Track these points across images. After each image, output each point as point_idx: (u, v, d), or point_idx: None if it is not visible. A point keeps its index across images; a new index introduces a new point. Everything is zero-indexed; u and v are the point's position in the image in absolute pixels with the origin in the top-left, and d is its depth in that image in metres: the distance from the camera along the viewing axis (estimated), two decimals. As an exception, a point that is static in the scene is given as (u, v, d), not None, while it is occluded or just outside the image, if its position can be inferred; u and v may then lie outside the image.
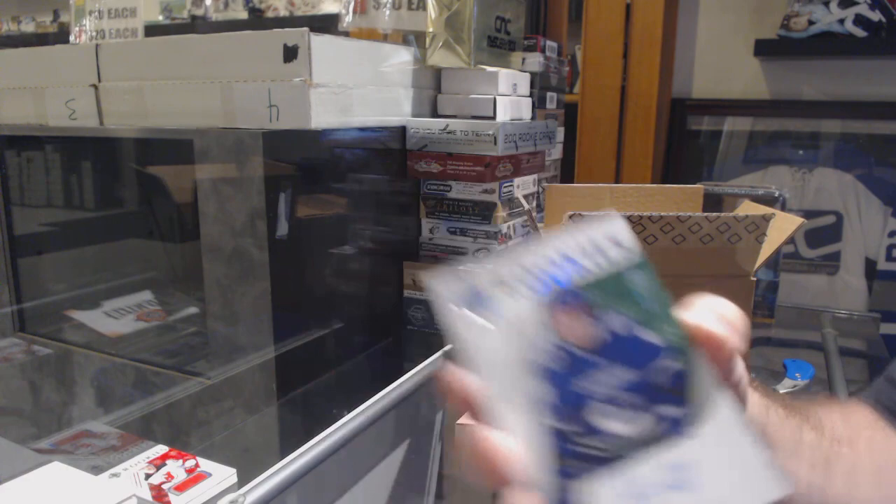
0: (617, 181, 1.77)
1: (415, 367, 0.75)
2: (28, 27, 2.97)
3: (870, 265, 1.67)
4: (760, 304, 1.00)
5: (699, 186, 0.96)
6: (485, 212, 0.86)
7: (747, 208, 0.89)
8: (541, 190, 1.04)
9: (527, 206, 0.91)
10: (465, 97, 0.90)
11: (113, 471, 0.51)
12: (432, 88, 0.92)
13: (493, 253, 0.87)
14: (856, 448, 0.50)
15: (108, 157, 1.02)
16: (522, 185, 0.94)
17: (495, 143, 0.83)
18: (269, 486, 0.50)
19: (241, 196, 0.68)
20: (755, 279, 0.69)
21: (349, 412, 0.62)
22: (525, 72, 0.99)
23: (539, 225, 0.88)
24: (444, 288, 0.27)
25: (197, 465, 0.51)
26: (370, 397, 0.65)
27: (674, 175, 1.83)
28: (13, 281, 0.94)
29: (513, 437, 0.26)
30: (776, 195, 0.97)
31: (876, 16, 1.52)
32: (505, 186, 0.87)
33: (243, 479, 0.51)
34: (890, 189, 1.65)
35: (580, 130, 1.77)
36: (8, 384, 0.93)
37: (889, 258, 1.64)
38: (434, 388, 0.74)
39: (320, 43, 0.69)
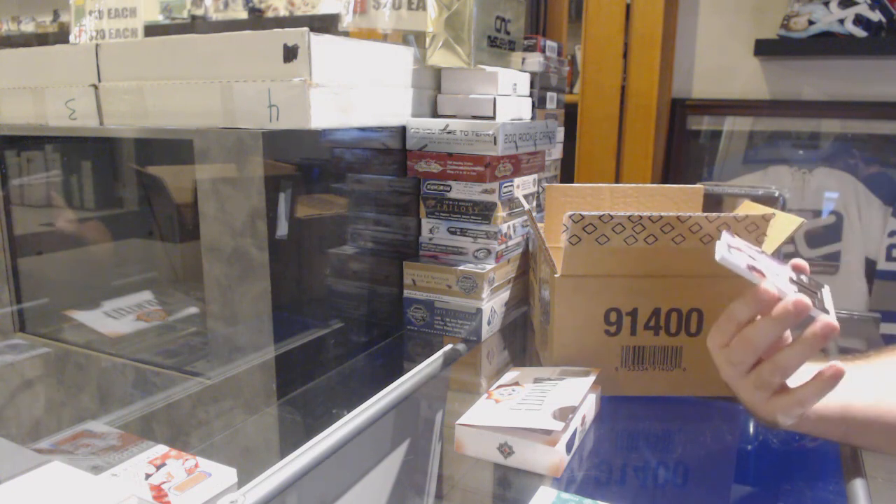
0: (617, 181, 1.77)
1: (415, 367, 0.75)
2: (28, 27, 2.97)
3: (870, 265, 1.67)
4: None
5: (699, 186, 0.96)
6: (485, 212, 0.86)
7: (747, 208, 0.89)
8: (541, 190, 1.04)
9: (527, 206, 0.91)
10: (465, 97, 0.90)
11: (113, 471, 0.51)
12: (432, 88, 0.92)
13: (493, 253, 0.87)
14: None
15: (108, 157, 1.02)
16: (522, 185, 0.94)
17: (495, 143, 0.83)
18: (269, 486, 0.50)
19: (241, 196, 0.68)
20: (755, 279, 0.69)
21: (349, 412, 0.62)
22: (525, 72, 0.99)
23: (539, 225, 0.88)
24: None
25: (197, 465, 0.51)
26: (370, 397, 0.65)
27: (674, 175, 1.83)
28: (13, 281, 0.94)
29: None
30: (776, 195, 0.97)
31: (876, 16, 1.52)
32: (505, 186, 0.87)
33: (243, 479, 0.51)
34: (890, 189, 1.65)
35: (580, 130, 1.77)
36: (8, 384, 0.93)
37: (889, 258, 1.64)
38: (434, 388, 0.74)
39: (320, 43, 0.69)
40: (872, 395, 0.56)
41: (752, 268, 0.52)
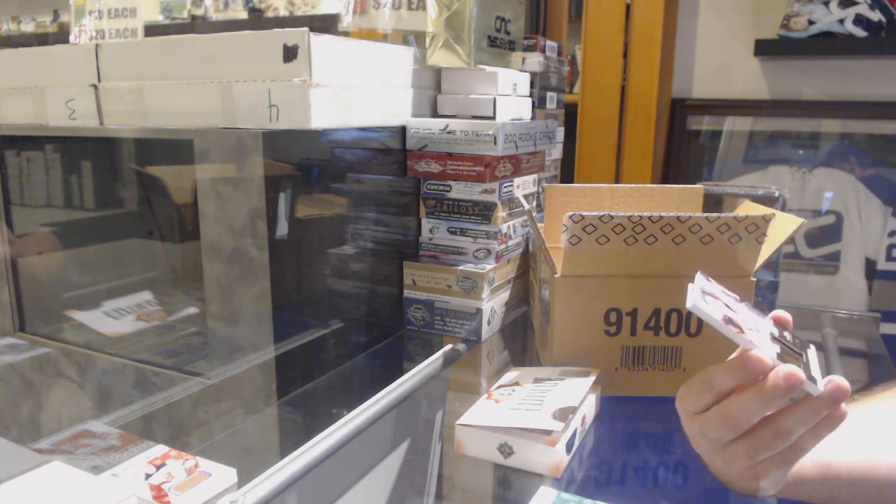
0: (617, 181, 1.77)
1: (415, 367, 0.75)
2: (28, 27, 2.97)
3: (870, 265, 1.67)
4: (760, 304, 1.00)
5: (699, 186, 0.96)
6: (485, 212, 0.86)
7: (747, 208, 0.89)
8: (541, 190, 1.04)
9: (527, 206, 0.91)
10: (465, 97, 0.90)
11: (113, 471, 0.51)
12: (432, 88, 0.92)
13: (493, 253, 0.87)
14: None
15: (108, 157, 1.02)
16: (522, 185, 0.94)
17: (495, 143, 0.83)
18: (269, 486, 0.50)
19: (241, 196, 0.68)
20: (755, 279, 0.69)
21: (349, 412, 0.62)
22: (525, 72, 0.99)
23: (539, 225, 0.88)
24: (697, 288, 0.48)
25: (197, 465, 0.51)
26: (370, 397, 0.65)
27: (674, 175, 1.83)
28: (13, 281, 0.94)
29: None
30: (776, 195, 0.97)
31: (876, 16, 1.52)
32: (505, 186, 0.87)
33: (243, 479, 0.51)
34: (890, 189, 1.65)
35: (580, 130, 1.77)
36: (8, 384, 0.93)
37: (889, 258, 1.64)
38: (434, 388, 0.74)
39: (320, 43, 0.69)
40: (857, 450, 0.50)
41: (728, 320, 0.45)
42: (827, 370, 0.86)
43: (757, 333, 0.46)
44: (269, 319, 0.69)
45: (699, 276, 0.50)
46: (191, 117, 0.74)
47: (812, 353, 0.49)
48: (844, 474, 0.49)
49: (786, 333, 0.49)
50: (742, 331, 0.45)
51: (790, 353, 0.46)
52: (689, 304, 0.45)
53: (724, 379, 0.44)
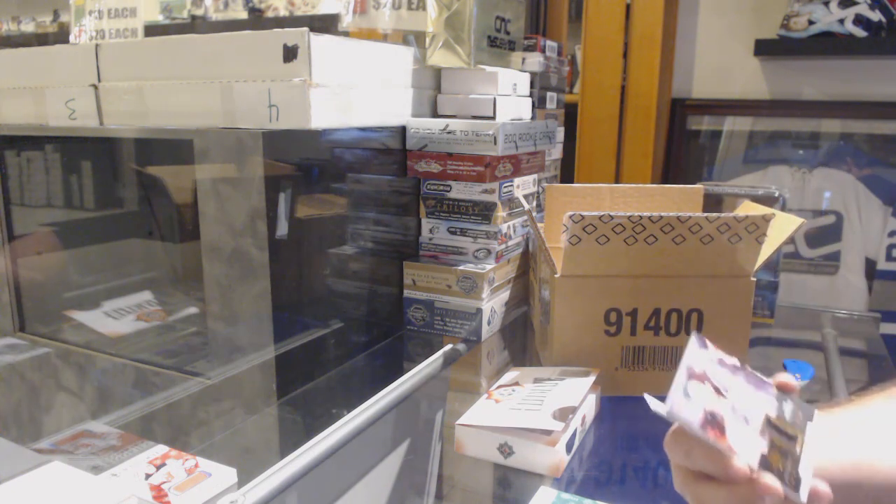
0: (617, 181, 1.77)
1: (415, 367, 0.75)
2: (28, 27, 2.97)
3: (870, 265, 1.67)
4: (760, 304, 1.00)
5: (699, 186, 0.96)
6: (485, 212, 0.86)
7: (747, 208, 0.89)
8: (541, 190, 1.04)
9: (527, 206, 0.91)
10: (465, 97, 0.90)
11: (113, 471, 0.51)
12: (432, 88, 0.92)
13: (493, 253, 0.87)
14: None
15: (108, 157, 1.02)
16: (522, 185, 0.94)
17: (495, 143, 0.83)
18: (269, 486, 0.50)
19: (241, 196, 0.68)
20: (755, 279, 0.69)
21: (349, 412, 0.62)
22: (525, 72, 0.99)
23: (539, 225, 0.88)
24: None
25: (197, 465, 0.51)
26: (370, 397, 0.65)
27: (674, 175, 1.83)
28: (13, 281, 0.94)
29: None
30: (776, 195, 0.97)
31: (876, 16, 1.52)
32: (505, 186, 0.87)
33: (243, 479, 0.51)
34: (890, 189, 1.65)
35: (580, 130, 1.77)
36: (8, 384, 0.93)
37: (889, 258, 1.64)
38: (434, 388, 0.74)
39: (320, 43, 0.69)
40: (854, 452, 0.48)
41: (708, 421, 0.40)
42: (827, 372, 0.86)
43: (745, 426, 0.42)
44: (269, 319, 0.69)
45: (692, 344, 0.44)
46: (191, 117, 0.74)
47: (812, 429, 0.45)
48: (838, 477, 0.48)
49: (786, 407, 0.45)
50: (723, 434, 0.40)
51: (782, 443, 0.43)
52: (665, 413, 0.40)
53: (705, 464, 0.42)
